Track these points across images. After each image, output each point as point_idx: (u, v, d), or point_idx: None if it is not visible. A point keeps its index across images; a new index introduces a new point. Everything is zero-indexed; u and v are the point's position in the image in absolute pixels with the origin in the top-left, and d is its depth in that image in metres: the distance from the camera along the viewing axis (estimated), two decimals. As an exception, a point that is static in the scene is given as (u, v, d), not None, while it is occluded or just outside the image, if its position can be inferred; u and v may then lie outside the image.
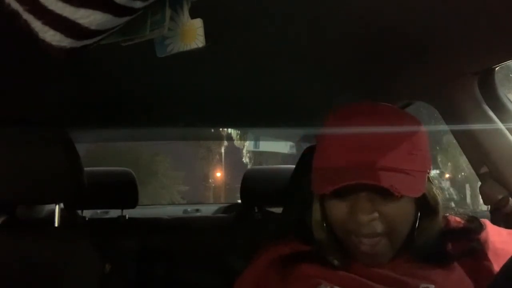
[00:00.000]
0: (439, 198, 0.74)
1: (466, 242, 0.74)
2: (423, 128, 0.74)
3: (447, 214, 0.79)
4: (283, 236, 0.82)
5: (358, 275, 0.71)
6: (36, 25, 0.51)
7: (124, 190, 1.87)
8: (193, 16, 0.61)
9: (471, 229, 0.76)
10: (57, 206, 1.16)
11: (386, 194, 0.67)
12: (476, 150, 1.00)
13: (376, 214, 0.68)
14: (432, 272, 0.70)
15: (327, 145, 0.73)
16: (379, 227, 0.68)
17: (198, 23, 0.61)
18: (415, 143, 0.71)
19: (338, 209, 0.71)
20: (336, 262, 0.73)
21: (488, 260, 0.72)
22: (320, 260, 0.74)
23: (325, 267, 0.73)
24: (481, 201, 1.02)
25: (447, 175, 8.76)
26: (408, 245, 0.73)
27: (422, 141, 0.72)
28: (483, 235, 0.75)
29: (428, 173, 0.73)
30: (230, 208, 2.64)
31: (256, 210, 1.89)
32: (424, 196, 0.71)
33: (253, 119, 1.77)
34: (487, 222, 0.78)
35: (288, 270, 0.75)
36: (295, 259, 0.76)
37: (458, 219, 0.79)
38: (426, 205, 0.73)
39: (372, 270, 0.71)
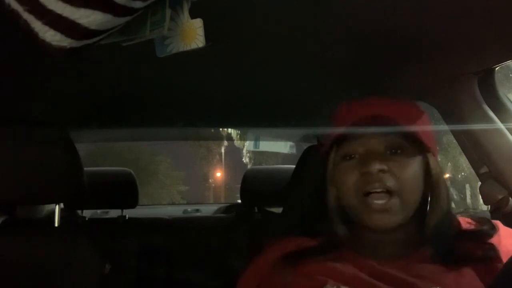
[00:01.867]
0: (443, 180, 0.76)
1: (479, 245, 0.73)
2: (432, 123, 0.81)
3: (457, 215, 0.79)
4: (287, 233, 0.82)
5: (366, 273, 0.70)
6: (36, 25, 0.51)
7: (124, 190, 1.87)
8: (193, 16, 0.61)
9: (484, 232, 0.75)
10: (57, 206, 1.16)
11: (396, 149, 0.73)
12: (476, 150, 1.00)
13: (385, 166, 0.70)
14: (444, 275, 0.69)
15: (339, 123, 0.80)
16: (389, 180, 0.70)
17: (198, 23, 0.61)
18: (425, 124, 0.77)
19: (349, 168, 0.74)
20: (343, 230, 0.75)
21: (501, 263, 0.70)
22: (326, 255, 0.74)
23: (332, 264, 0.72)
24: (481, 201, 1.02)
25: (447, 175, 8.76)
26: (420, 240, 0.73)
27: (431, 129, 0.79)
28: (495, 237, 0.74)
29: (434, 154, 0.76)
30: (230, 208, 2.64)
31: (256, 210, 1.90)
32: (429, 172, 0.75)
33: (253, 119, 1.77)
34: (499, 224, 0.77)
35: (293, 267, 0.74)
36: (300, 256, 0.76)
37: (469, 220, 0.78)
38: (431, 182, 0.75)
39: (381, 270, 0.71)
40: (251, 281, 0.77)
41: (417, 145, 0.74)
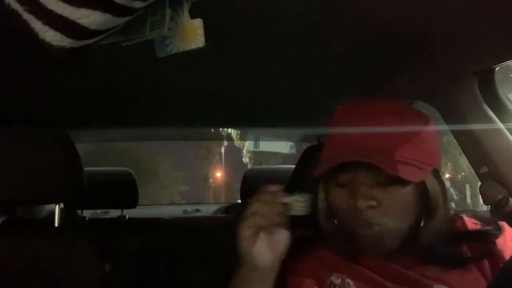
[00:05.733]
0: (442, 198, 0.73)
1: (483, 245, 0.73)
2: (432, 124, 0.75)
3: (463, 215, 0.79)
4: None
5: (371, 270, 0.71)
6: (36, 25, 0.51)
7: (124, 190, 1.87)
8: (193, 16, 0.61)
9: (489, 232, 0.74)
10: (57, 206, 1.16)
11: (387, 183, 0.68)
12: (476, 150, 1.00)
13: (374, 202, 0.68)
14: (447, 274, 0.70)
15: (330, 137, 0.77)
16: (377, 217, 0.68)
17: (198, 23, 0.61)
18: (420, 135, 0.71)
19: (340, 197, 0.72)
20: (343, 251, 0.74)
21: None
22: (331, 247, 0.75)
23: (337, 257, 0.74)
24: (481, 201, 1.02)
25: (447, 175, 8.78)
26: (416, 244, 0.73)
27: (428, 135, 0.73)
28: (501, 239, 0.73)
29: (438, 170, 0.73)
30: (230, 208, 2.65)
31: (256, 210, 1.89)
32: (427, 193, 0.71)
33: (253, 119, 1.77)
34: (505, 225, 0.76)
35: (300, 254, 0.75)
36: (305, 244, 0.76)
37: (474, 220, 0.78)
38: (429, 203, 0.72)
39: (386, 266, 0.71)
40: None
41: None
